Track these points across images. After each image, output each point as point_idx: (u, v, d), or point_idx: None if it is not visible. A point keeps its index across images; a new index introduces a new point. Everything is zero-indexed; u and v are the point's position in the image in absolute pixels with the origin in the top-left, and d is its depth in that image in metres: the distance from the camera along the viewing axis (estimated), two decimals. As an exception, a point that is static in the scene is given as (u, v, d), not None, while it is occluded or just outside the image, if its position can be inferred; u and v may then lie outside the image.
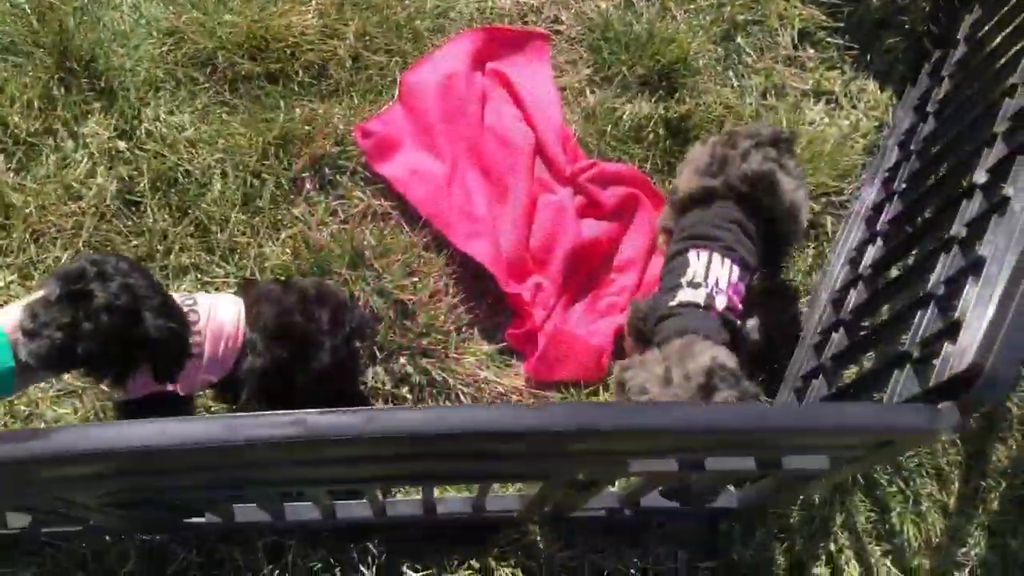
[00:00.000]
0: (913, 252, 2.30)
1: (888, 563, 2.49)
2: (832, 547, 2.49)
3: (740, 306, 2.23)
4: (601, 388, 2.57)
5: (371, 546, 2.24)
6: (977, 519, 2.55)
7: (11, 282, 2.40)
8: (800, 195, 2.42)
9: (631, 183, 2.73)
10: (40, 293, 1.64)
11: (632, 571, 2.39)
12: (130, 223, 2.49)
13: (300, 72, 2.73)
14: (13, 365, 1.58)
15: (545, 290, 2.62)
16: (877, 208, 2.60)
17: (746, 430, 1.39)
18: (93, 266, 1.61)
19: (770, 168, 2.35)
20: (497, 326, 2.63)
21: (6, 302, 2.35)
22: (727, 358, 2.04)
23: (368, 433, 1.20)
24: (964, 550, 2.53)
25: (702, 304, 2.21)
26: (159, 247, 2.48)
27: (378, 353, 2.48)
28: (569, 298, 2.66)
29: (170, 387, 1.86)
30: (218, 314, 1.92)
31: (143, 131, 2.56)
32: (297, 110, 2.66)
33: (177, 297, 1.87)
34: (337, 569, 2.26)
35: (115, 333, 1.61)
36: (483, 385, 2.54)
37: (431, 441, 1.25)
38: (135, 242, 2.47)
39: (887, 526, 2.53)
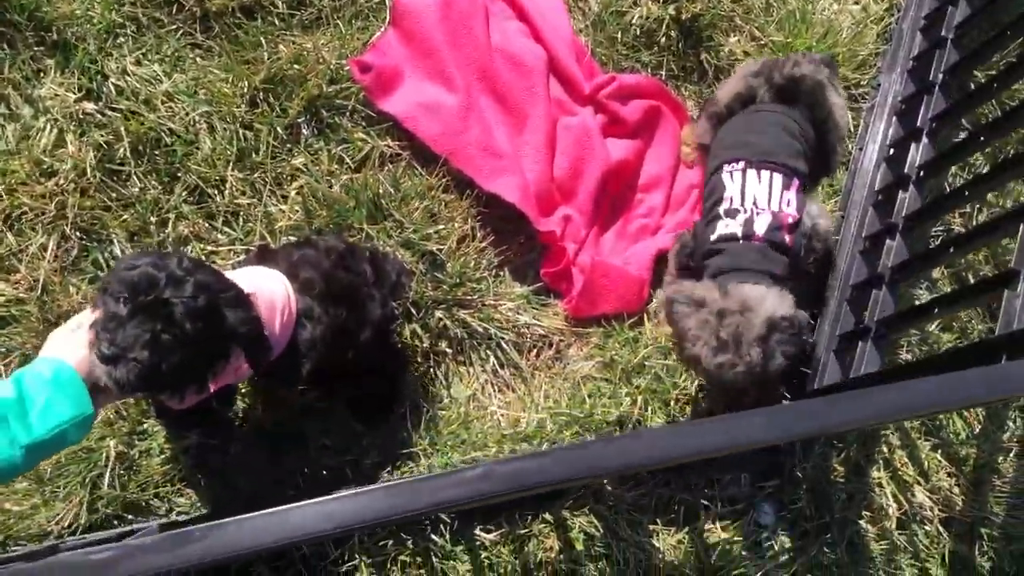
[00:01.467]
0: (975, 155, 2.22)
1: (939, 456, 2.52)
2: (885, 449, 2.50)
3: (793, 216, 2.12)
4: (645, 318, 2.46)
5: (442, 514, 2.14)
6: (1017, 402, 2.59)
7: (-8, 278, 2.12)
8: (845, 117, 2.31)
9: (651, 94, 2.56)
10: (93, 313, 1.42)
11: (702, 500, 2.35)
12: (116, 195, 2.21)
13: (278, 2, 2.42)
14: (93, 413, 1.38)
15: (574, 222, 2.47)
16: (909, 102, 2.49)
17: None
18: (158, 270, 1.41)
19: (821, 78, 2.23)
20: (528, 265, 2.49)
21: (-8, 302, 2.08)
22: (776, 303, 1.96)
23: (557, 476, 1.06)
24: (1007, 434, 2.57)
25: (740, 235, 2.11)
26: (152, 218, 2.22)
27: (413, 310, 2.30)
28: (599, 227, 2.52)
29: (212, 388, 1.68)
30: (264, 288, 1.72)
31: (111, 88, 2.24)
32: (282, 47, 2.37)
33: None
34: (409, 540, 2.16)
35: (201, 340, 1.44)
36: (523, 330, 2.41)
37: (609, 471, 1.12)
38: (125, 216, 2.20)
39: (935, 422, 2.54)
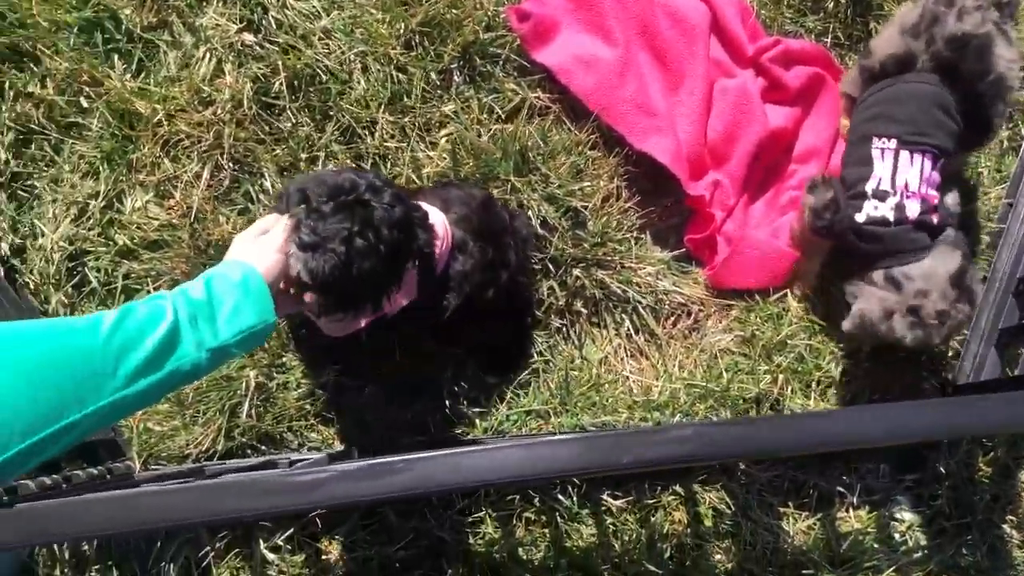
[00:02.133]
0: None
1: (1095, 465, 2.36)
2: (1037, 453, 2.35)
3: (935, 198, 2.06)
4: (790, 294, 2.36)
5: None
6: None
7: (148, 202, 2.15)
8: (1012, 73, 2.14)
9: (815, 62, 2.43)
10: (283, 217, 1.42)
11: (837, 487, 2.25)
12: (269, 129, 2.21)
13: (437, -57, 2.38)
14: (275, 321, 1.37)
15: (723, 188, 2.37)
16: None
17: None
18: (359, 178, 1.42)
19: (987, 31, 2.06)
20: (671, 230, 2.41)
21: (141, 225, 2.12)
22: (946, 261, 1.96)
23: (769, 445, 1.00)
24: None
25: (892, 220, 2.03)
26: (303, 155, 2.21)
27: (551, 266, 2.26)
28: (749, 196, 2.42)
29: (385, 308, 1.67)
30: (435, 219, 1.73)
31: (271, 21, 2.24)
32: (440, -11, 2.32)
33: None
34: (536, 498, 2.13)
35: (391, 250, 1.42)
36: (662, 296, 2.34)
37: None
38: (277, 150, 2.20)
39: (1094, 430, 2.37)
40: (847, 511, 2.28)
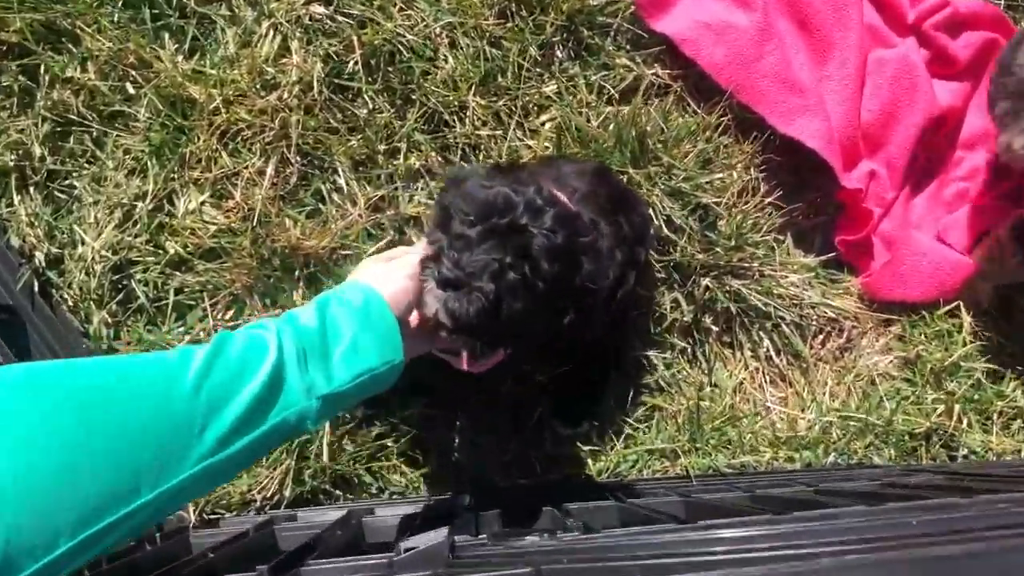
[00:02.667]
0: None
1: None
2: None
3: None
4: (962, 308, 1.95)
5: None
6: None
7: (203, 203, 1.83)
8: None
9: (988, 26, 2.01)
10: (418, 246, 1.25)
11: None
12: (343, 116, 1.87)
13: None
14: (402, 360, 1.10)
15: (880, 180, 1.98)
16: None
17: None
18: (515, 194, 1.17)
19: None
20: (816, 230, 2.03)
21: (195, 231, 1.80)
22: None
23: None
24: None
25: None
26: (381, 147, 1.88)
27: (676, 275, 1.88)
28: (911, 188, 2.01)
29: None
30: None
31: (344, -10, 1.90)
32: (540, -51, 1.96)
33: None
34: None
35: (549, 287, 1.18)
36: (808, 310, 1.95)
37: None
38: (352, 141, 1.86)
39: None
40: None
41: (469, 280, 1.12)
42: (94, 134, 1.86)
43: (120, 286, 1.84)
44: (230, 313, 1.83)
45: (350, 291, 1.12)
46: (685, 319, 1.90)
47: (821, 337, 1.96)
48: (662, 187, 1.87)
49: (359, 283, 1.15)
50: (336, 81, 1.87)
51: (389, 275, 1.16)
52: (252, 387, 0.95)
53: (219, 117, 1.83)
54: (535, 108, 1.94)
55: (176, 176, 1.84)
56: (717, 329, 1.93)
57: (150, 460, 0.84)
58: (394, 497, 1.81)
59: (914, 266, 1.92)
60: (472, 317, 1.12)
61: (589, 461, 1.84)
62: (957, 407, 1.87)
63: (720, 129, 1.94)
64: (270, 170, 1.84)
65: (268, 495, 1.77)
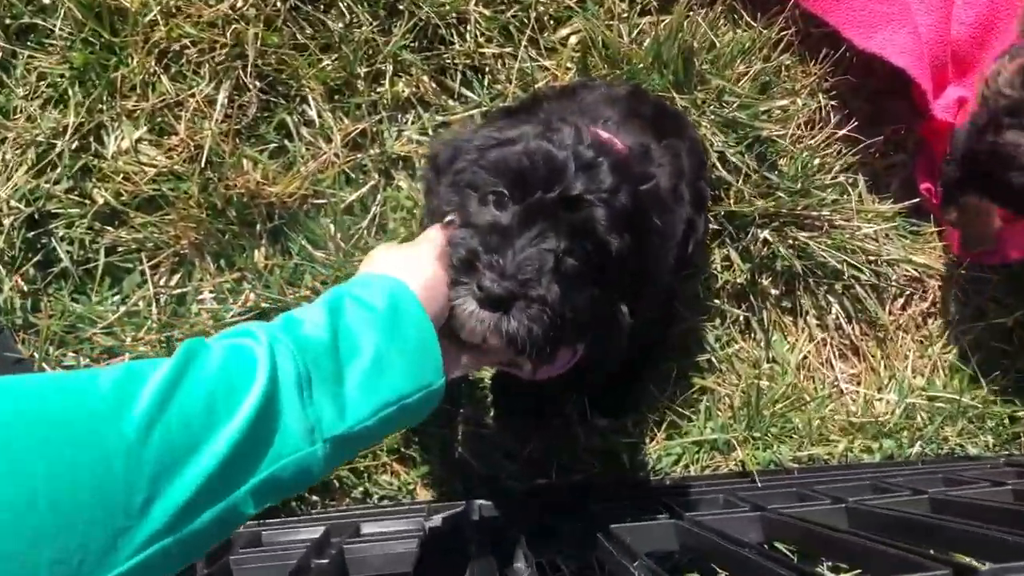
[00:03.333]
0: None
1: None
2: None
3: None
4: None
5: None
6: None
7: (139, 140, 1.45)
8: None
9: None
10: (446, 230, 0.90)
11: None
12: (313, 31, 1.49)
13: None
14: (444, 384, 0.81)
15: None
16: None
17: None
18: (556, 147, 0.86)
19: None
20: (893, 170, 1.66)
21: (130, 175, 1.42)
22: None
23: None
24: None
25: None
26: (361, 70, 1.50)
27: (728, 226, 1.52)
28: (1008, 120, 1.64)
29: None
30: None
31: None
32: None
33: None
34: None
35: (623, 265, 0.89)
36: (886, 267, 1.59)
37: None
38: (325, 62, 1.48)
39: None
40: None
41: (524, 290, 0.82)
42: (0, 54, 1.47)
43: (38, 245, 1.46)
44: (176, 277, 1.47)
45: (369, 287, 0.81)
46: (739, 280, 1.55)
47: (901, 301, 1.62)
48: (712, 116, 1.51)
49: (380, 275, 0.83)
50: (304, -14, 1.49)
51: (415, 262, 0.85)
52: (229, 431, 0.64)
53: (157, 32, 1.44)
54: (552, 21, 1.57)
55: (105, 107, 1.46)
56: (777, 292, 1.58)
57: (48, 562, 0.50)
58: (384, 503, 1.46)
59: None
60: (541, 339, 0.83)
61: (625, 456, 1.49)
62: (1071, 383, 1.53)
63: (781, 46, 1.57)
64: (222, 98, 1.46)
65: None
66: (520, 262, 0.82)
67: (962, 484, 1.29)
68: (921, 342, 1.62)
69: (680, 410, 1.52)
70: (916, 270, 1.61)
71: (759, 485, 1.40)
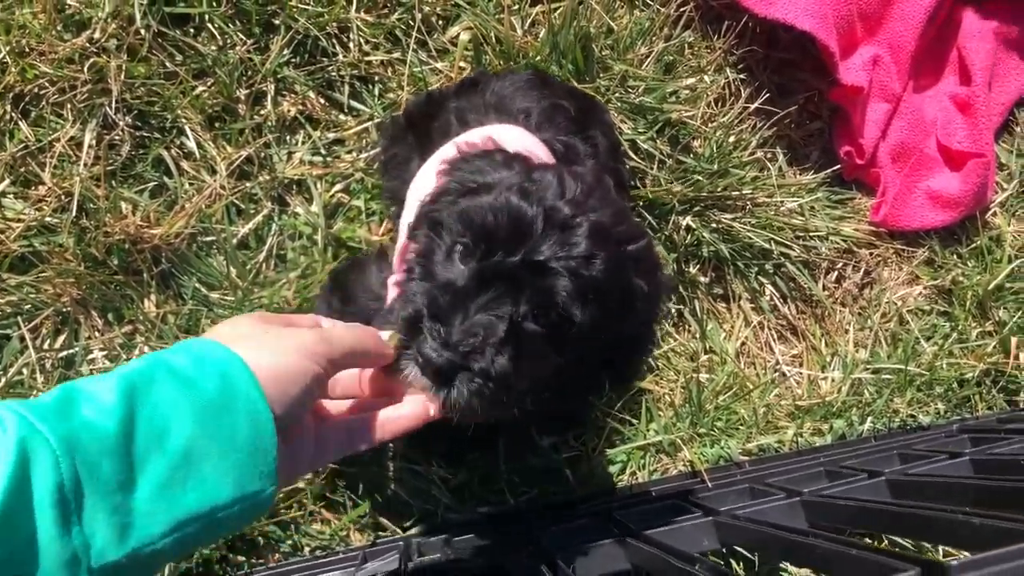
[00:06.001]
0: None
1: None
2: None
3: None
4: (999, 214, 1.56)
5: None
6: None
7: (3, 194, 1.33)
8: None
9: None
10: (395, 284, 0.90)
11: None
12: (183, 57, 1.38)
13: None
14: (274, 491, 0.64)
15: (884, 66, 1.56)
16: None
17: None
18: (526, 200, 0.79)
19: None
20: (814, 139, 1.60)
21: None
22: None
23: None
24: None
25: None
26: (240, 92, 1.40)
27: (648, 216, 1.45)
28: (920, 77, 1.61)
29: None
30: (523, 144, 1.04)
31: None
32: None
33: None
34: None
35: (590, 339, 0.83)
36: (813, 241, 1.53)
37: None
38: (200, 88, 1.37)
39: None
40: None
41: (467, 362, 0.75)
42: None
43: (-101, 322, 1.32)
44: (60, 339, 1.34)
45: (197, 359, 0.63)
46: (666, 272, 1.47)
47: (835, 274, 1.56)
48: (618, 103, 1.43)
49: (215, 345, 0.65)
50: (167, 9, 1.37)
51: (270, 343, 0.68)
52: None
53: (9, 75, 1.32)
54: (440, 20, 1.48)
55: (-42, 161, 1.32)
56: (706, 280, 1.51)
57: None
58: (317, 554, 1.35)
59: (927, 183, 1.53)
60: (479, 409, 0.77)
61: (568, 471, 1.40)
62: (1014, 340, 1.48)
63: (682, 23, 1.50)
64: (89, 139, 1.34)
65: None
66: (467, 329, 0.76)
67: (919, 459, 1.23)
68: (860, 314, 1.56)
69: (620, 415, 1.43)
70: (845, 241, 1.55)
71: (710, 486, 1.32)
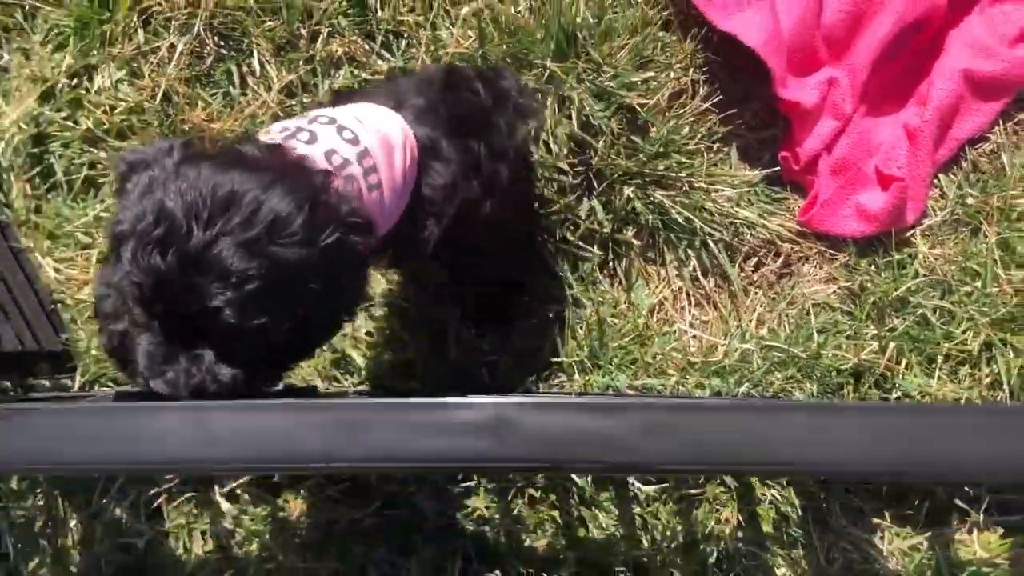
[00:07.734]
0: None
1: None
2: None
3: None
4: (918, 236, 1.75)
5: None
6: None
7: (119, 80, 1.82)
8: None
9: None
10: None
11: (956, 500, 1.68)
12: (260, -2, 1.81)
13: None
14: None
15: (840, 88, 1.77)
16: None
17: None
18: (179, 239, 0.86)
19: None
20: (765, 144, 1.84)
21: (111, 108, 1.79)
22: None
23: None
24: None
25: None
26: (302, 30, 1.80)
27: (594, 182, 1.76)
28: (872, 103, 1.80)
29: None
30: (383, 127, 1.25)
31: None
32: None
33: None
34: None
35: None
36: (742, 228, 1.79)
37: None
38: (270, 23, 1.80)
39: None
40: (969, 532, 1.69)
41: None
42: (27, 7, 1.86)
43: (41, 159, 1.86)
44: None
45: None
46: (604, 229, 1.78)
47: (754, 260, 1.81)
48: (588, 84, 1.74)
49: None
50: (255, -40, 1.81)
51: None
52: None
53: (137, -7, 1.80)
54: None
55: (96, 52, 1.83)
56: (640, 244, 1.80)
57: None
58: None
59: (857, 193, 1.74)
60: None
61: (485, 371, 1.77)
62: (892, 345, 1.69)
63: (661, 25, 1.78)
64: (181, 47, 1.80)
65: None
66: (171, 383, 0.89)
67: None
68: (771, 299, 1.80)
69: (537, 338, 1.77)
70: (770, 234, 1.79)
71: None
